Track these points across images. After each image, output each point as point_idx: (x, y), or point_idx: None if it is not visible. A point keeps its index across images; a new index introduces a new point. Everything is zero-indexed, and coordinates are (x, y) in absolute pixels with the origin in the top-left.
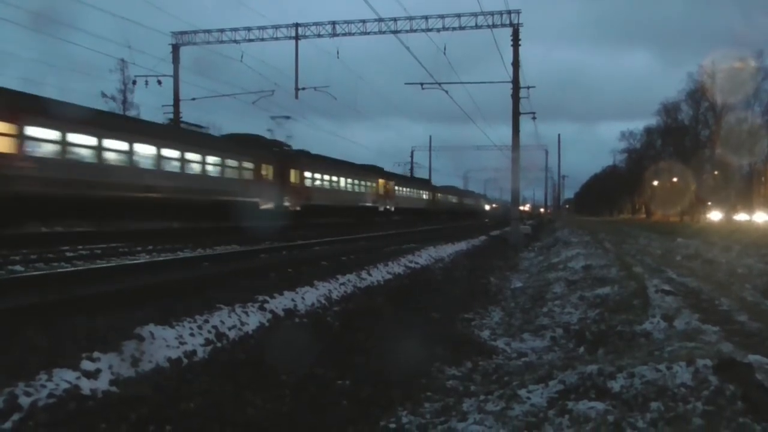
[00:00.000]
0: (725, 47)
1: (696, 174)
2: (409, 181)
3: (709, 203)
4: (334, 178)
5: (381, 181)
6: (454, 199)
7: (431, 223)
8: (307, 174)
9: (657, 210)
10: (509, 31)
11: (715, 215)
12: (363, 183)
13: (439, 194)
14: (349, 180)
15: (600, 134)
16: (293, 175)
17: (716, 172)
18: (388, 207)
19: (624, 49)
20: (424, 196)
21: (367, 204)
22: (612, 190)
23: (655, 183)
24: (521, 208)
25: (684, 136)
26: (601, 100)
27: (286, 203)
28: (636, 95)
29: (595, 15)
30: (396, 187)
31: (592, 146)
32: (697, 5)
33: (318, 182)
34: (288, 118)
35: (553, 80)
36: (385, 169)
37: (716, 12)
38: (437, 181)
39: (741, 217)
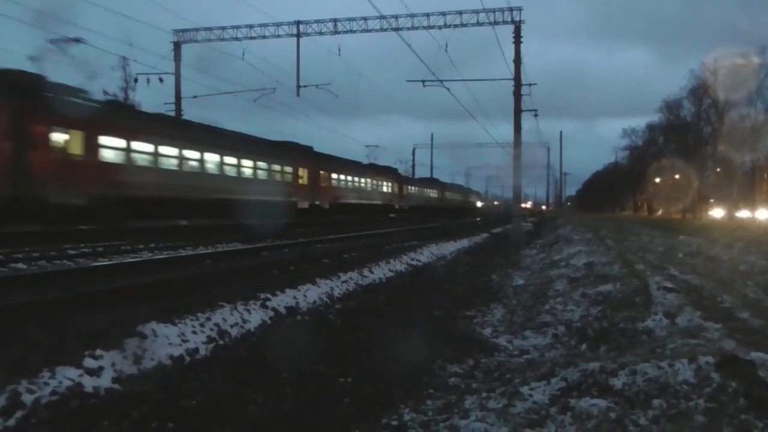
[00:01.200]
0: (724, 43)
1: (698, 171)
2: (359, 169)
3: (711, 200)
4: (191, 155)
5: (303, 166)
6: (432, 194)
7: (398, 224)
8: (115, 142)
9: (659, 207)
10: (509, 27)
11: (717, 212)
12: (265, 167)
13: (410, 187)
14: (232, 161)
15: (599, 131)
16: (77, 143)
17: (718, 169)
18: (315, 202)
19: (621, 46)
20: (385, 189)
21: (273, 198)
22: (614, 187)
23: (657, 180)
24: (523, 205)
25: (686, 133)
26: (600, 96)
27: (53, 189)
28: (634, 92)
29: (592, 11)
30: (334, 176)
31: (591, 143)
32: (695, 0)
33: (146, 159)
34: (78, 41)
35: (551, 77)
36: (316, 151)
37: (714, 7)
38: (439, 177)
39: (743, 214)
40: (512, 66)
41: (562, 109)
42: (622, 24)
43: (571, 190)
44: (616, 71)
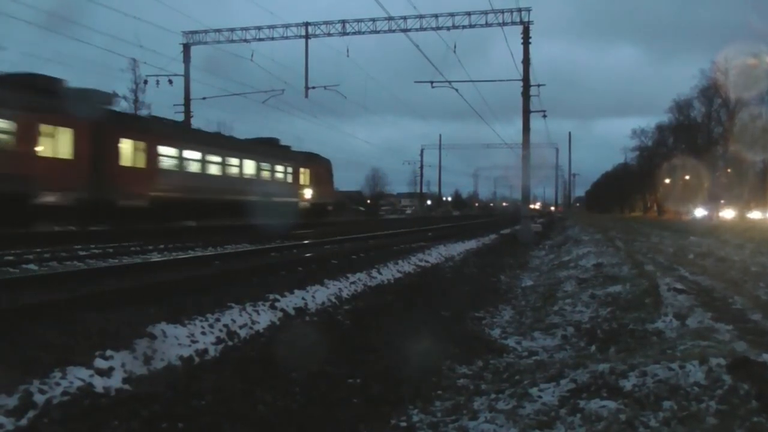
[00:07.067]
0: (722, 39)
1: (709, 171)
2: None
3: (722, 201)
4: None
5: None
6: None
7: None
8: None
9: (669, 207)
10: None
11: (728, 213)
12: None
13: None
14: None
15: (597, 131)
16: None
17: (729, 170)
18: (103, 193)
19: (611, 45)
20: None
21: None
22: (623, 187)
23: (667, 181)
24: (531, 206)
25: (696, 133)
26: (595, 96)
27: None
28: (629, 91)
29: (580, 10)
30: (163, 150)
31: (590, 143)
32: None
33: None
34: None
35: (546, 77)
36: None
37: (708, 4)
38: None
39: (755, 215)
40: (514, 62)
41: (560, 109)
42: (612, 22)
43: (577, 191)
44: (608, 70)
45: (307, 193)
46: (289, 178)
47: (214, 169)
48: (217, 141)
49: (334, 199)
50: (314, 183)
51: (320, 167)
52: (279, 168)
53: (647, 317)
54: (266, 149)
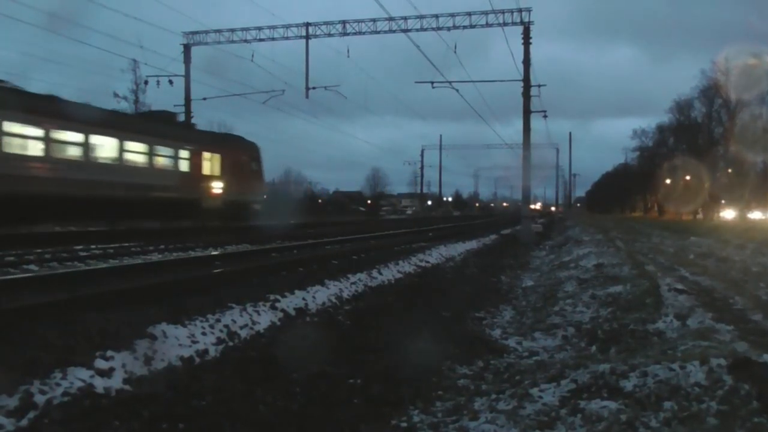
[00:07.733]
0: (720, 40)
1: (709, 172)
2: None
3: (723, 201)
4: None
5: None
6: None
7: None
8: None
9: (669, 208)
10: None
11: (728, 213)
12: None
13: None
14: None
15: (596, 131)
16: None
17: (730, 170)
18: None
19: (609, 45)
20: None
21: None
22: (624, 188)
23: (668, 181)
24: (531, 206)
25: (697, 133)
26: (593, 96)
27: None
28: (627, 91)
29: (578, 10)
30: None
31: (589, 143)
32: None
33: None
34: None
35: (544, 77)
36: None
37: (706, 4)
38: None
39: (755, 215)
40: (514, 62)
41: (560, 109)
42: (612, 22)
43: (578, 191)
44: (608, 70)
45: (216, 186)
46: (184, 166)
47: (27, 148)
48: (41, 106)
49: (262, 195)
50: (228, 173)
51: (239, 153)
52: (164, 151)
53: (648, 317)
54: (141, 124)
